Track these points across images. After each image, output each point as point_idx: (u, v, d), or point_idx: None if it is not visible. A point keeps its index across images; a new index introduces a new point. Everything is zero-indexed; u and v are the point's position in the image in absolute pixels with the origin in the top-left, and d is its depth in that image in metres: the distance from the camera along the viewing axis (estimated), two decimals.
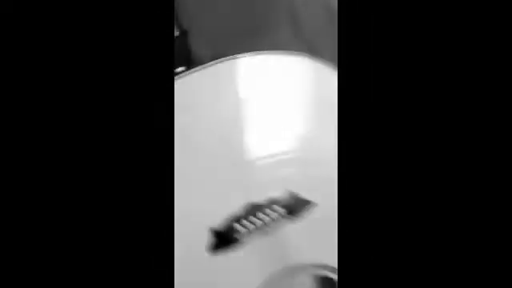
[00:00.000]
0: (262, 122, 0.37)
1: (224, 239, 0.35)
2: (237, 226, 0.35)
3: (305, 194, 0.35)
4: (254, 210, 0.35)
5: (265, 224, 0.35)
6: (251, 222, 0.35)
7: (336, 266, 0.38)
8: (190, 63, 0.36)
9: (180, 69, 0.36)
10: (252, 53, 0.35)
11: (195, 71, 0.35)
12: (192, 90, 0.35)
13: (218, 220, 0.35)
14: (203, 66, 0.34)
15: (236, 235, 0.35)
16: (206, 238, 0.35)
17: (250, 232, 0.35)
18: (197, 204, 0.34)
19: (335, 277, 0.39)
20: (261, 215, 0.35)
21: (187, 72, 0.35)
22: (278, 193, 0.35)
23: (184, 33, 0.36)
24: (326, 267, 0.39)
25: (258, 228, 0.35)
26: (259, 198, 0.35)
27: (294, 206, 0.35)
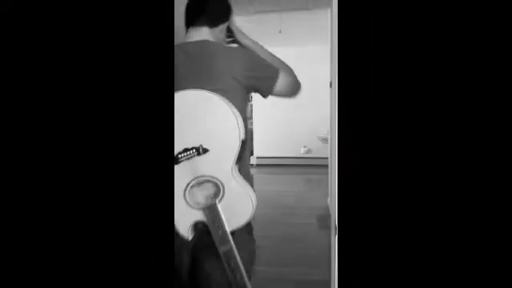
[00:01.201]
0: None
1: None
2: (178, 156, 0.88)
3: (206, 146, 0.88)
4: (185, 150, 0.88)
5: (188, 156, 0.88)
6: (183, 155, 0.88)
7: (221, 179, 0.91)
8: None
9: None
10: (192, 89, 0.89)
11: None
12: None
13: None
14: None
15: (178, 159, 0.89)
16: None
17: (182, 158, 0.88)
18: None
19: (220, 186, 0.92)
20: (187, 152, 0.88)
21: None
22: (196, 144, 0.88)
23: None
24: (215, 178, 0.91)
25: (186, 157, 0.88)
26: (188, 146, 0.88)
27: (201, 150, 0.88)
